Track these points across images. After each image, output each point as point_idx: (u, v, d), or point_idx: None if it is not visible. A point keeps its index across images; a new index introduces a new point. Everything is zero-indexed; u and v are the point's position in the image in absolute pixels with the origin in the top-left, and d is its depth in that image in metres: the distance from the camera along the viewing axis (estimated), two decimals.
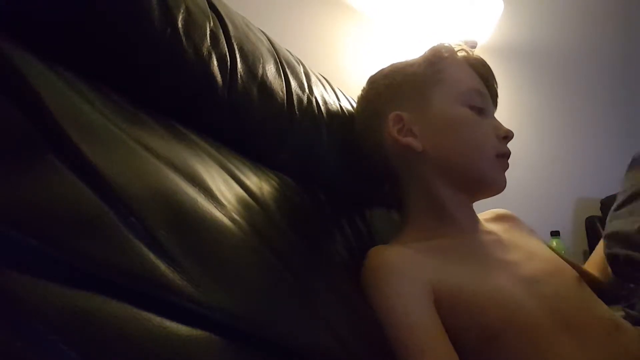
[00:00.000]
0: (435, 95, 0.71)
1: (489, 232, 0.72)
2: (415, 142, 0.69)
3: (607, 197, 1.98)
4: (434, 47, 0.76)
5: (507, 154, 0.71)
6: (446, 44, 0.76)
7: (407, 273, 0.59)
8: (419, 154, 0.69)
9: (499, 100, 0.77)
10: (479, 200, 0.75)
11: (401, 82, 0.74)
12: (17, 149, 0.28)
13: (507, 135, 0.71)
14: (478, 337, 0.57)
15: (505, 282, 0.61)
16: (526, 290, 0.60)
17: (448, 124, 0.70)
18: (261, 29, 0.65)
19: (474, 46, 1.65)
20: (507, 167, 0.71)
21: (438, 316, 0.57)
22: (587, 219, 2.01)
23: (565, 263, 0.69)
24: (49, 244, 0.25)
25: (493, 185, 0.71)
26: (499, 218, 0.79)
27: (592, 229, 1.98)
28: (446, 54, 0.74)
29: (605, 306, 0.63)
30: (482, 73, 0.75)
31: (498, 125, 0.72)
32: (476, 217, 0.75)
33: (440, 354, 0.54)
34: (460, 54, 0.76)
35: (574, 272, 0.67)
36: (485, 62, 0.77)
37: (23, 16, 0.35)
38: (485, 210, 0.82)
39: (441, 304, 0.58)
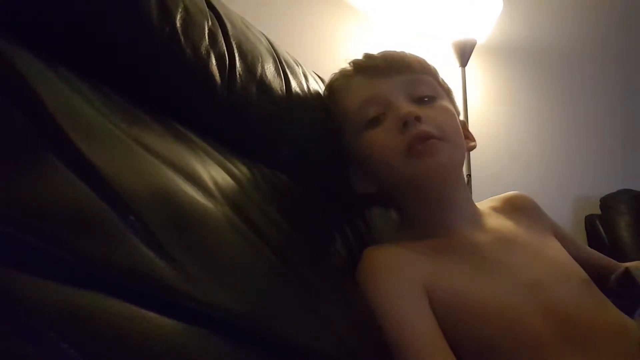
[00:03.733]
0: (344, 140, 0.69)
1: (492, 230, 0.66)
2: (370, 187, 0.69)
3: (607, 195, 1.98)
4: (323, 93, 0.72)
5: (417, 138, 0.61)
6: (332, 76, 0.72)
7: (400, 272, 0.58)
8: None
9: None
10: (452, 193, 0.67)
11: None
12: (16, 148, 0.28)
13: (406, 121, 0.61)
14: (475, 347, 0.54)
15: (505, 287, 0.57)
16: (527, 296, 0.57)
17: (364, 161, 0.67)
18: (261, 29, 0.65)
19: (473, 45, 1.65)
20: (424, 151, 0.61)
21: (433, 315, 0.55)
22: (586, 217, 2.01)
23: (574, 264, 0.65)
24: (49, 243, 0.25)
25: (420, 180, 0.64)
26: (510, 206, 0.72)
27: (592, 227, 1.98)
28: (327, 93, 0.71)
29: (615, 309, 0.59)
30: (366, 65, 0.70)
31: (397, 114, 0.62)
32: (475, 213, 0.69)
33: (435, 352, 0.53)
34: (342, 73, 0.71)
35: (583, 275, 0.63)
36: (367, 53, 0.72)
37: (23, 16, 0.35)
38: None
39: (434, 309, 0.56)
